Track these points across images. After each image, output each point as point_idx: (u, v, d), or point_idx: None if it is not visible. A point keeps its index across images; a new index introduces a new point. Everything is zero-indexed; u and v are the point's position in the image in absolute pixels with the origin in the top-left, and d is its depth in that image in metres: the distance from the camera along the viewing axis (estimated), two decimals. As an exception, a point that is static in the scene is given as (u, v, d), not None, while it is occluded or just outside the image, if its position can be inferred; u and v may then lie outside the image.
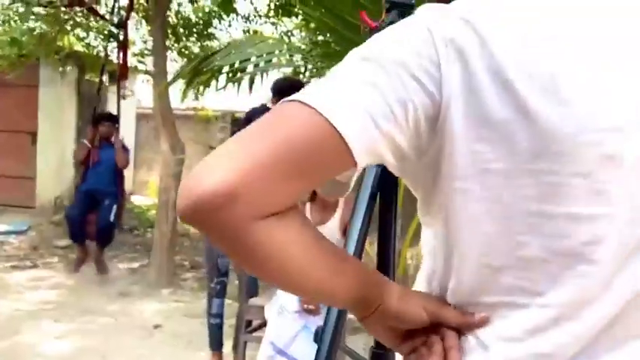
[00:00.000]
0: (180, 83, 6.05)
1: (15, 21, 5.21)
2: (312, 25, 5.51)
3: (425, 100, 0.57)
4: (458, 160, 0.58)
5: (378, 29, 1.07)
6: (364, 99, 0.56)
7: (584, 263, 0.58)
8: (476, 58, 0.57)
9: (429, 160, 0.61)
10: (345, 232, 3.07)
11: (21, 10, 5.22)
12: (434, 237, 0.68)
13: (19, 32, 4.93)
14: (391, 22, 1.04)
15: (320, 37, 5.40)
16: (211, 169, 0.53)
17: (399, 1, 1.05)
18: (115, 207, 5.16)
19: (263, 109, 3.32)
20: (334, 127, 0.55)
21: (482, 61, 0.56)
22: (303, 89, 0.60)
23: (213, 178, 0.52)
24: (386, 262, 1.00)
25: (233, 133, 10.75)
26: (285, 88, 3.14)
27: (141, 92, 9.48)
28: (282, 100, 0.60)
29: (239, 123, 10.27)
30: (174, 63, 7.39)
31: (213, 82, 4.58)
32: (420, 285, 0.74)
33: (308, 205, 3.06)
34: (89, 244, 5.23)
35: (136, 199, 9.27)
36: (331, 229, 3.05)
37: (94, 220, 5.05)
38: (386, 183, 1.03)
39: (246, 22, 7.17)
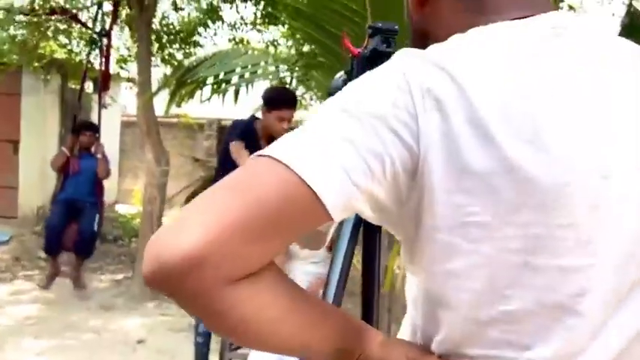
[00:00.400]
0: (165, 91, 6.03)
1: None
2: (298, 35, 5.51)
3: (403, 152, 0.55)
4: (439, 212, 0.56)
5: (360, 56, 1.07)
6: (339, 154, 0.54)
7: (572, 315, 0.57)
8: (454, 108, 0.55)
9: (410, 211, 0.59)
10: (330, 247, 3.05)
11: (1, 17, 5.11)
12: (417, 287, 0.66)
13: (-1, 40, 4.84)
14: (374, 49, 1.01)
15: (305, 48, 5.41)
16: (178, 233, 0.51)
17: (382, 27, 1.03)
18: (97, 217, 5.00)
19: (250, 121, 3.25)
20: (307, 185, 0.53)
21: (461, 110, 0.55)
22: (276, 142, 0.58)
23: (180, 242, 0.50)
24: (370, 291, 0.98)
25: (220, 140, 10.70)
26: (275, 98, 3.07)
27: (126, 99, 9.41)
28: (253, 155, 0.57)
29: (225, 131, 10.24)
30: (158, 69, 7.33)
31: (198, 92, 4.57)
32: (404, 333, 0.72)
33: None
34: (68, 255, 5.06)
35: (121, 208, 9.17)
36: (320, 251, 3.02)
37: (74, 230, 4.88)
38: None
39: (231, 29, 7.12)
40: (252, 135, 3.05)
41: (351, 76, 1.06)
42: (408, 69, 0.58)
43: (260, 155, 0.56)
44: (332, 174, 0.54)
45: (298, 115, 4.61)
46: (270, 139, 3.00)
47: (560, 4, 4.46)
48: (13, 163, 7.42)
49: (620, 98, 0.59)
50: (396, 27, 1.05)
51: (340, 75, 1.21)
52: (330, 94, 1.23)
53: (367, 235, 1.01)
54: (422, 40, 0.71)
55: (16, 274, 5.71)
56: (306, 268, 3.05)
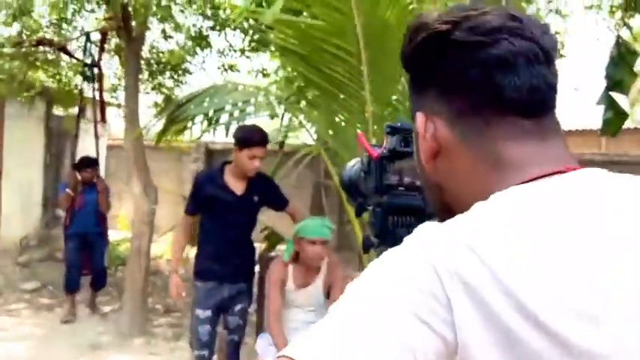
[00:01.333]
0: (154, 112, 5.99)
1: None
2: (289, 69, 5.50)
3: (437, 344, 0.53)
4: None
5: (379, 158, 1.03)
6: (367, 354, 0.51)
7: None
8: (487, 291, 0.52)
9: None
10: (328, 294, 3.02)
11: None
12: None
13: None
14: (393, 149, 1.01)
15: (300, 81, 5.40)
16: None
17: (401, 127, 1.02)
18: (106, 250, 5.60)
19: (218, 168, 3.34)
20: None
21: (495, 292, 0.52)
22: (299, 339, 0.54)
23: None
24: None
25: (208, 164, 10.63)
26: (246, 138, 3.12)
27: (112, 123, 9.31)
28: (277, 355, 0.55)
29: (213, 155, 10.19)
30: (148, 97, 7.28)
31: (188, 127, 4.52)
32: None
33: (291, 267, 3.02)
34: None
35: (106, 233, 9.01)
36: (315, 290, 3.02)
37: (87, 265, 5.42)
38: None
39: (220, 56, 7.11)
40: (217, 178, 3.23)
41: (368, 176, 1.05)
42: (434, 253, 0.55)
43: (281, 356, 0.54)
44: None
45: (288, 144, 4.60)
46: (243, 177, 3.19)
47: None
48: (-5, 191, 7.28)
49: None
50: None
51: (353, 164, 1.18)
52: (343, 182, 1.20)
53: None
54: (436, 192, 0.70)
55: (0, 309, 5.57)
56: (304, 316, 3.02)
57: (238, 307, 3.26)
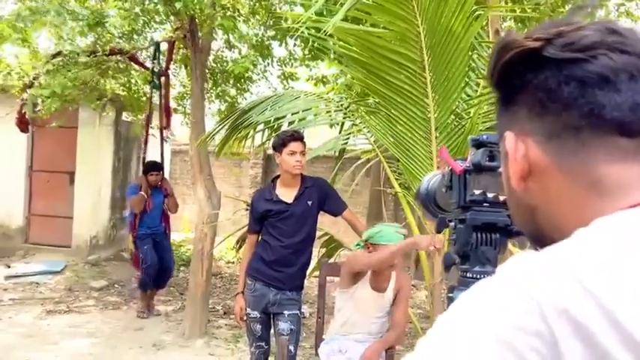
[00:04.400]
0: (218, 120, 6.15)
1: (57, 70, 5.32)
2: (349, 76, 5.53)
3: None
4: None
5: (464, 173, 1.00)
6: None
7: None
8: (602, 334, 0.47)
9: None
10: (394, 300, 3.02)
11: (66, 61, 5.33)
12: None
13: (59, 86, 5.04)
14: (478, 164, 0.98)
15: (358, 87, 5.41)
16: None
17: (486, 141, 0.98)
18: (172, 250, 5.98)
19: (264, 192, 3.43)
20: None
21: (612, 336, 0.47)
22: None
23: None
24: None
25: (266, 169, 10.79)
26: (279, 140, 3.24)
27: (176, 128, 9.63)
28: None
29: (271, 160, 10.33)
30: (212, 105, 7.48)
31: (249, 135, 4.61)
32: None
33: (369, 274, 3.01)
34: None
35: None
36: (388, 296, 3.01)
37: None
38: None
39: (281, 66, 7.23)
40: (269, 192, 3.34)
41: (450, 191, 1.02)
42: (537, 285, 0.50)
43: None
44: None
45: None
46: (294, 185, 3.28)
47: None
48: (68, 193, 7.68)
49: None
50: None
51: (430, 177, 1.15)
52: (419, 195, 1.18)
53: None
54: (528, 215, 0.66)
55: (71, 306, 5.85)
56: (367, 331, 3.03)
57: (289, 313, 3.27)
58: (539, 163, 0.62)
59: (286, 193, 3.27)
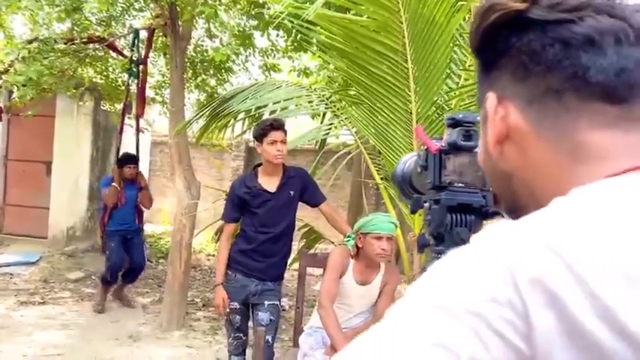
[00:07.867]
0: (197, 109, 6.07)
1: (33, 57, 5.18)
2: (332, 67, 5.49)
3: (510, 356, 0.47)
4: None
5: (438, 152, 0.97)
6: None
7: None
8: (575, 303, 0.45)
9: None
10: (381, 290, 2.99)
11: (41, 47, 5.20)
12: None
13: (35, 72, 4.90)
14: (453, 143, 0.95)
15: (340, 77, 5.37)
16: None
17: (463, 119, 0.96)
18: (144, 247, 5.67)
19: (250, 172, 3.38)
20: None
21: (585, 306, 0.45)
22: (350, 348, 0.50)
23: None
24: None
25: (248, 161, 10.71)
26: (259, 129, 3.21)
27: (157, 119, 9.51)
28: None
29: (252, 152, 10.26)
30: (191, 95, 7.39)
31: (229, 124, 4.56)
32: None
33: (352, 262, 2.97)
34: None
35: (148, 227, 9.22)
36: (374, 289, 2.98)
37: (126, 260, 5.42)
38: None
39: (262, 56, 7.16)
40: (251, 180, 3.30)
41: (425, 171, 0.99)
42: (510, 255, 0.48)
43: None
44: None
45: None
46: (275, 174, 3.26)
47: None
48: (45, 183, 7.53)
49: None
50: (478, 118, 0.98)
51: (406, 159, 1.12)
52: (394, 177, 1.15)
53: None
54: (504, 182, 0.63)
55: (45, 298, 5.74)
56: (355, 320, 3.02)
57: (269, 303, 3.25)
58: (518, 127, 0.60)
59: (269, 182, 3.25)
